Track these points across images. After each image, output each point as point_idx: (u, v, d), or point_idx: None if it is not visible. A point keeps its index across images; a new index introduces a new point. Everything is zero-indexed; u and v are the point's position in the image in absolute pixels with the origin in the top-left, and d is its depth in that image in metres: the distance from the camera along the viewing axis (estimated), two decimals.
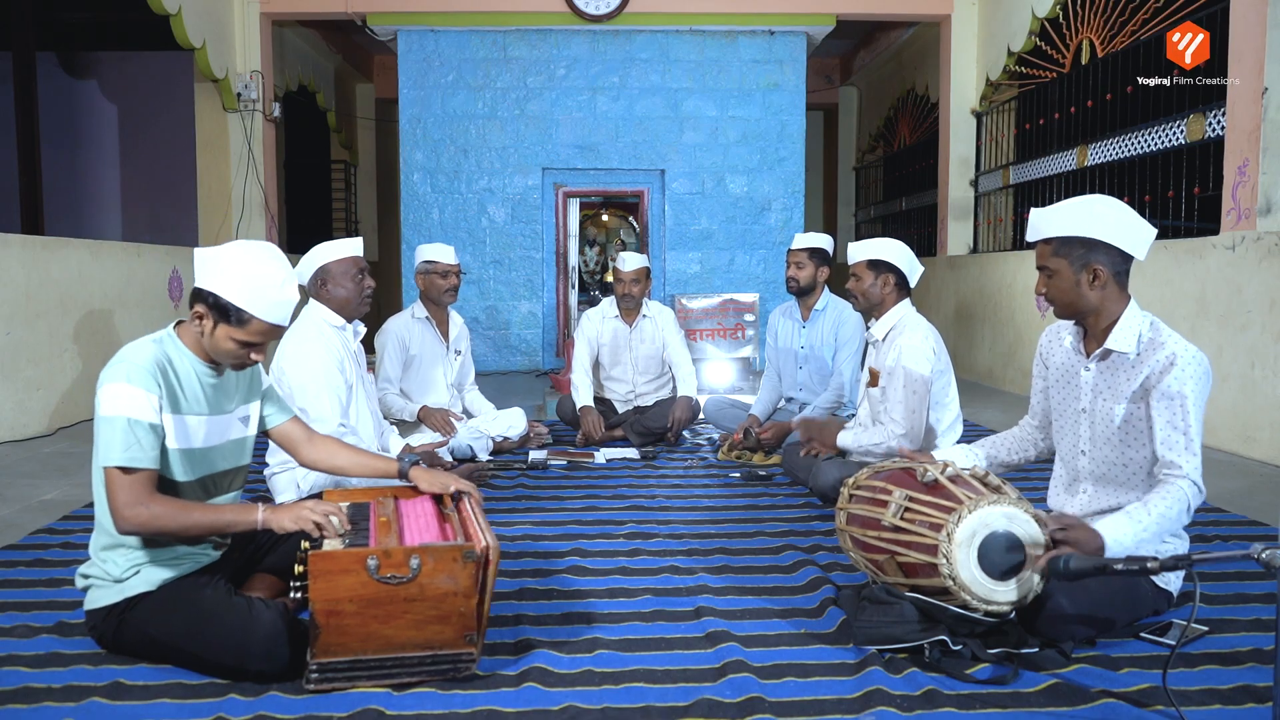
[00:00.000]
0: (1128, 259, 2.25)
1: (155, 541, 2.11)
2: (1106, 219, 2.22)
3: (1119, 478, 2.34)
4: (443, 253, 4.39)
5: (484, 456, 4.31)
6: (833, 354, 4.33)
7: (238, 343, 2.10)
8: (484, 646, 2.11)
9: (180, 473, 2.12)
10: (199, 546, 2.20)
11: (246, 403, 2.31)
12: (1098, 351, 2.33)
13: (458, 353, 4.53)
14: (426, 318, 4.40)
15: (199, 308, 2.10)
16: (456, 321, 4.58)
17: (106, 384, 2.03)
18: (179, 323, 2.19)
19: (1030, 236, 2.34)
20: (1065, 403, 2.45)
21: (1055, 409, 2.50)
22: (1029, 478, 3.84)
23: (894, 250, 3.43)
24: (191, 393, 2.14)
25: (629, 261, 4.78)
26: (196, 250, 2.11)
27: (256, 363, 2.21)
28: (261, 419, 2.37)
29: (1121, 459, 2.32)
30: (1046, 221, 2.29)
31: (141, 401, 2.01)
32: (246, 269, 2.07)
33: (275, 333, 2.14)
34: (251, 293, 2.06)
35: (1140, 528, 2.12)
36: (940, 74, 8.30)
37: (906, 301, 3.48)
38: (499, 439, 4.48)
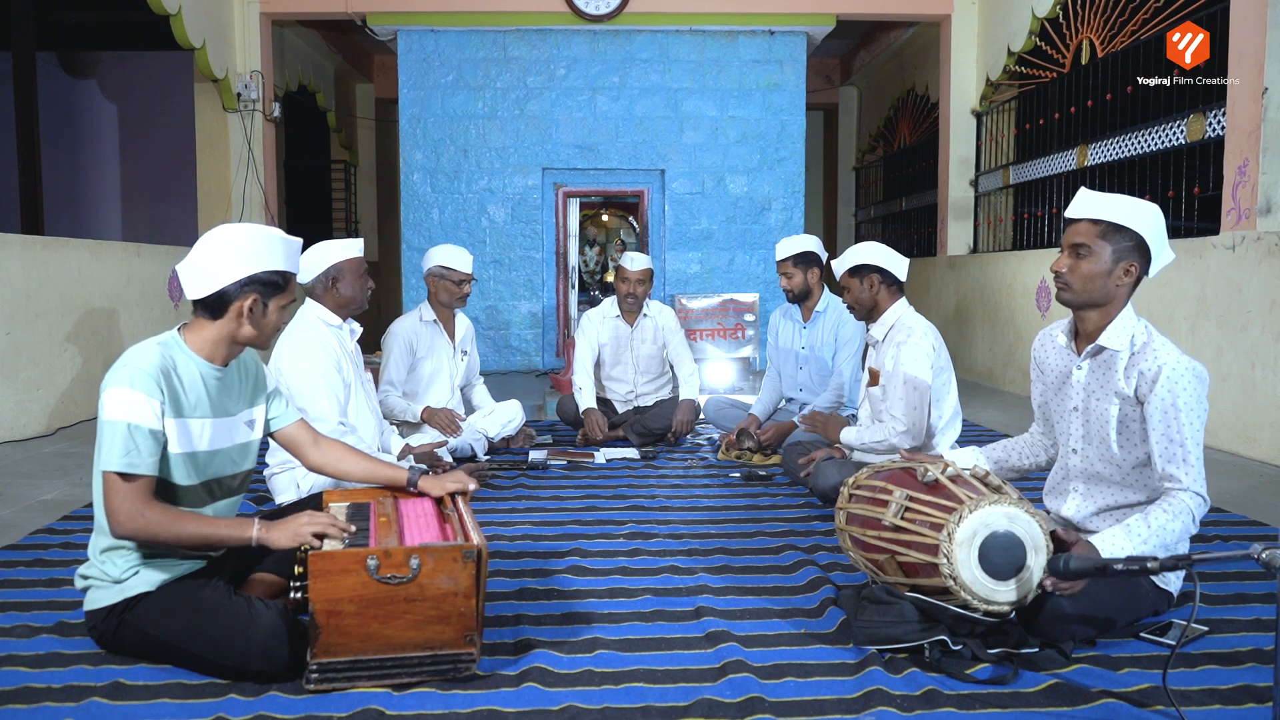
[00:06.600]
0: (1146, 269, 2.27)
1: (154, 545, 2.11)
2: (1157, 226, 2.24)
3: (1111, 477, 2.35)
4: (461, 260, 4.30)
5: (484, 456, 4.31)
6: (833, 354, 4.33)
7: (281, 309, 2.19)
8: (484, 646, 2.11)
9: (182, 476, 2.11)
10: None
11: (251, 406, 2.31)
12: (1089, 348, 2.33)
13: (464, 353, 4.53)
14: (435, 320, 4.37)
15: (249, 297, 2.11)
16: (463, 322, 4.57)
17: (110, 387, 2.03)
18: (183, 326, 2.18)
19: (1078, 213, 2.27)
20: (1059, 402, 2.47)
21: (1052, 409, 2.51)
22: (1027, 477, 3.84)
23: (869, 252, 3.44)
24: (195, 396, 2.13)
25: (635, 261, 4.76)
26: (180, 266, 2.11)
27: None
28: (267, 421, 2.37)
29: (1114, 458, 2.32)
30: (1102, 204, 2.24)
31: (143, 407, 2.01)
32: (258, 240, 2.12)
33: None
34: (282, 256, 2.14)
35: (1139, 540, 2.11)
36: (940, 74, 8.30)
37: (903, 301, 3.48)
38: (497, 439, 4.49)
